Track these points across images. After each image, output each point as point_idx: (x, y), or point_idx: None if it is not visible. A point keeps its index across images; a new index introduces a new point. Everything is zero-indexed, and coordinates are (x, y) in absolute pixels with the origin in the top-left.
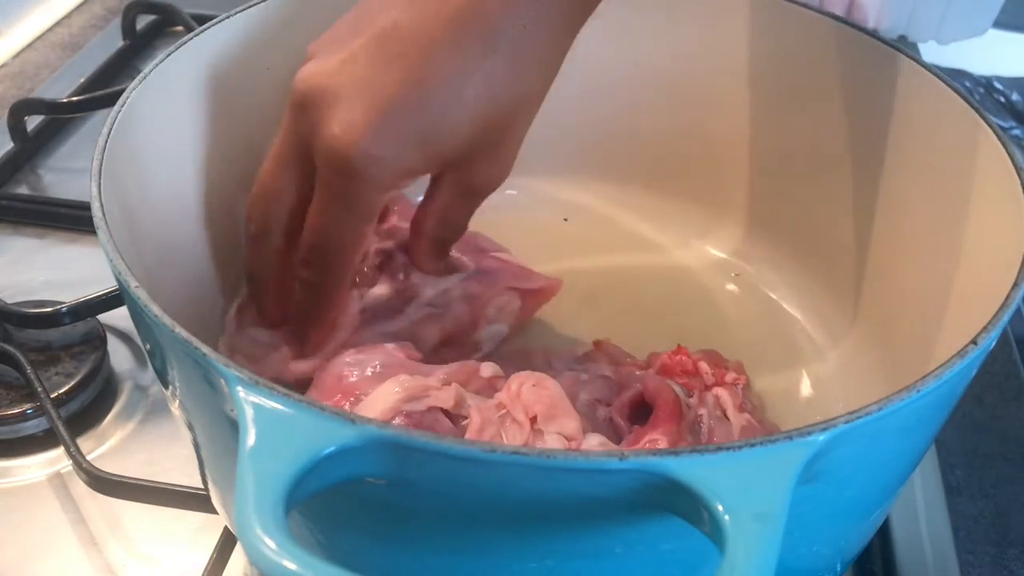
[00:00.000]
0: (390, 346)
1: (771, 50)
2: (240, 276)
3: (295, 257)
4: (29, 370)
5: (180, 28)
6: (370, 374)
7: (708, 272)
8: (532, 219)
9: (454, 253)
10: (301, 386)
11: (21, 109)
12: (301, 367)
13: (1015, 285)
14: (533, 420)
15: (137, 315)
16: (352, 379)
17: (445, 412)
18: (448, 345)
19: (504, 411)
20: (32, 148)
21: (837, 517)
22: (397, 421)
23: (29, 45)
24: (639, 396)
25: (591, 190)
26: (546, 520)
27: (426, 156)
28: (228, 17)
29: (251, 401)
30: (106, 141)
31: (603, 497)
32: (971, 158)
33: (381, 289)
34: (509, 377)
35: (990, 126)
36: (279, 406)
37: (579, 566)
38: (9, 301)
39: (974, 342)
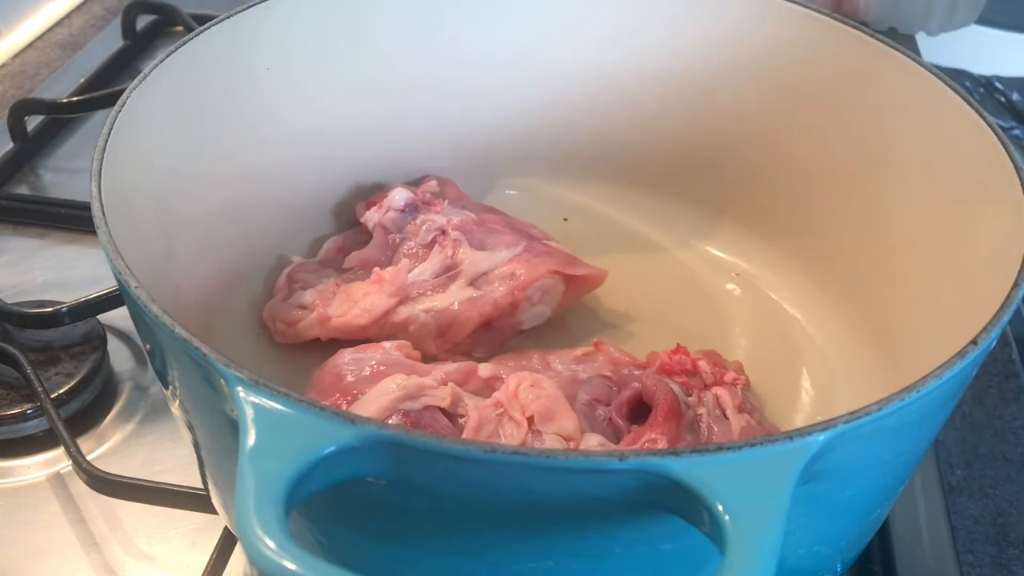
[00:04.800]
0: (388, 344)
1: (770, 50)
2: (283, 247)
3: None
4: (29, 370)
5: (180, 28)
6: (368, 373)
7: (708, 272)
8: (532, 219)
9: (506, 233)
10: (335, 345)
11: (21, 109)
12: (336, 323)
13: (1015, 285)
14: (531, 420)
15: (137, 315)
16: (350, 378)
17: (443, 411)
18: (486, 329)
19: (501, 410)
20: (32, 148)
21: (837, 517)
22: (394, 420)
23: (29, 45)
24: (638, 396)
25: (591, 190)
26: (546, 520)
27: None
28: (228, 17)
29: (251, 401)
30: (106, 141)
31: (603, 497)
32: (971, 158)
33: (429, 265)
34: (507, 377)
35: (990, 126)
36: (279, 406)
37: (579, 566)
38: (9, 301)
39: (974, 342)
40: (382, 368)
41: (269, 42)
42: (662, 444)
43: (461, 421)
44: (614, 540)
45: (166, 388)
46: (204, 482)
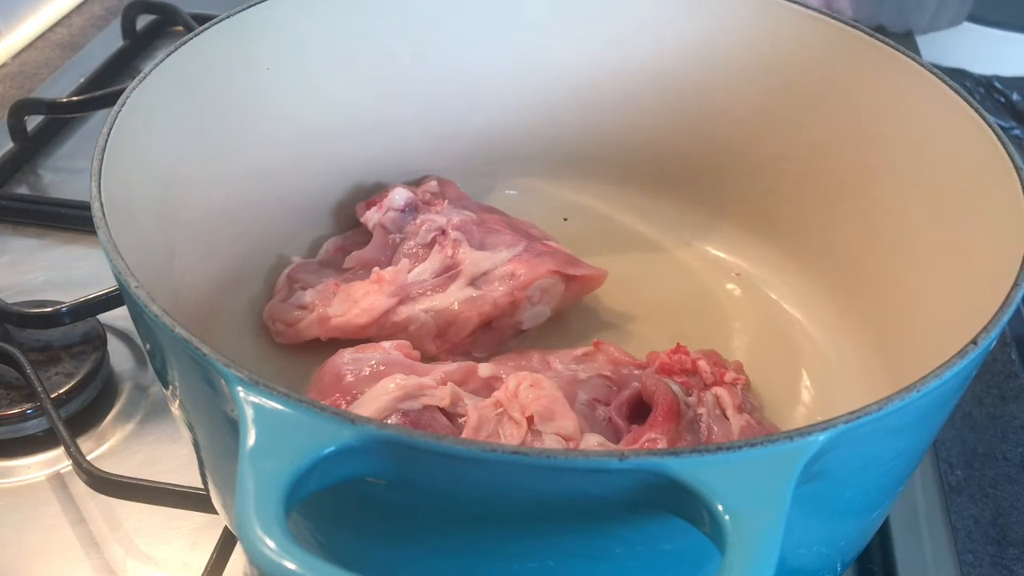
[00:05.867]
0: (388, 344)
1: (770, 50)
2: (283, 247)
3: None
4: (29, 370)
5: (180, 28)
6: (367, 373)
7: (708, 272)
8: (532, 219)
9: (506, 233)
10: (335, 345)
11: (21, 109)
12: (336, 323)
13: (1015, 285)
14: (531, 420)
15: (137, 315)
16: (350, 378)
17: (443, 411)
18: (486, 329)
19: (501, 410)
20: (32, 148)
21: (837, 517)
22: (394, 419)
23: (29, 45)
24: (638, 396)
25: (591, 190)
26: (546, 520)
27: None
28: (228, 17)
29: (251, 401)
30: (106, 141)
31: (603, 497)
32: (971, 158)
33: (429, 265)
34: (507, 377)
35: (990, 126)
36: (279, 406)
37: (579, 566)
38: (9, 301)
39: (974, 342)
40: (382, 368)
41: (269, 42)
42: (662, 444)
43: (461, 421)
44: (614, 540)
45: (166, 388)
46: (204, 482)
